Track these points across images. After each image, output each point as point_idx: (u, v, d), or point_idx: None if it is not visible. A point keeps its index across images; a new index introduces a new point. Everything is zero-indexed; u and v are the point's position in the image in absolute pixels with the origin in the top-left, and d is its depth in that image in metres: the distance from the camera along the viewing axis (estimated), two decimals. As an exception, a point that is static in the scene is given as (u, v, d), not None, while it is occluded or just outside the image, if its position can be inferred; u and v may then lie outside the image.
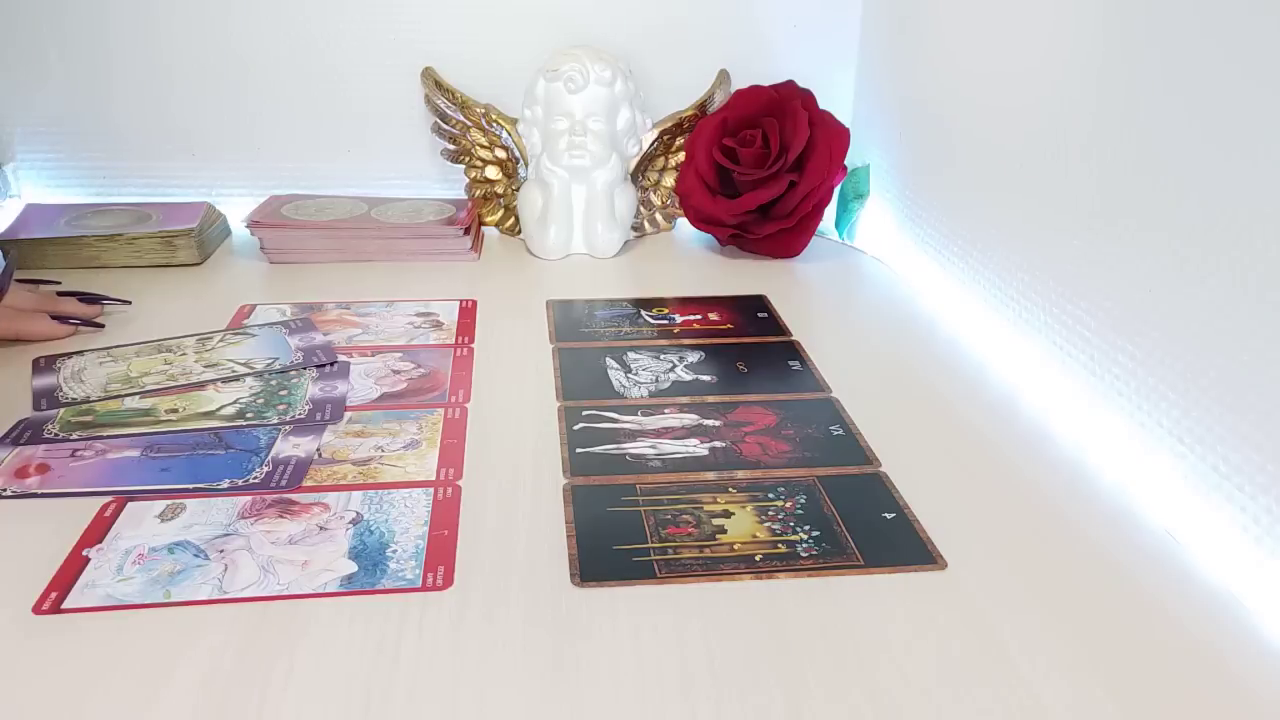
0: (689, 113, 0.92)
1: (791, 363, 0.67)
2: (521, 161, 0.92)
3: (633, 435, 0.57)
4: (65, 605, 0.42)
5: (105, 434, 0.56)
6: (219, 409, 0.59)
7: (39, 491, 0.51)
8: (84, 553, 0.46)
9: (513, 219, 0.93)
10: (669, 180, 0.93)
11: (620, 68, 0.86)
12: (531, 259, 0.89)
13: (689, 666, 0.39)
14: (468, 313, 0.75)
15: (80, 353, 0.66)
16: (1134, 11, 0.53)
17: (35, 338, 0.68)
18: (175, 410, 0.59)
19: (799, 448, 0.56)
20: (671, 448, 0.56)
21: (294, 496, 0.51)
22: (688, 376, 0.64)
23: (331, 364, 0.65)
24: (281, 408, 0.59)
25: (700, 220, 0.88)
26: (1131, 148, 0.53)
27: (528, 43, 0.90)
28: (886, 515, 0.50)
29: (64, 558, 0.45)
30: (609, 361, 0.67)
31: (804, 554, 0.46)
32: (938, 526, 0.48)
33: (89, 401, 0.60)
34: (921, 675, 0.39)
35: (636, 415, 0.59)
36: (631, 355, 0.68)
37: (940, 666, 0.39)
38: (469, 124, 0.92)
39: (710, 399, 0.62)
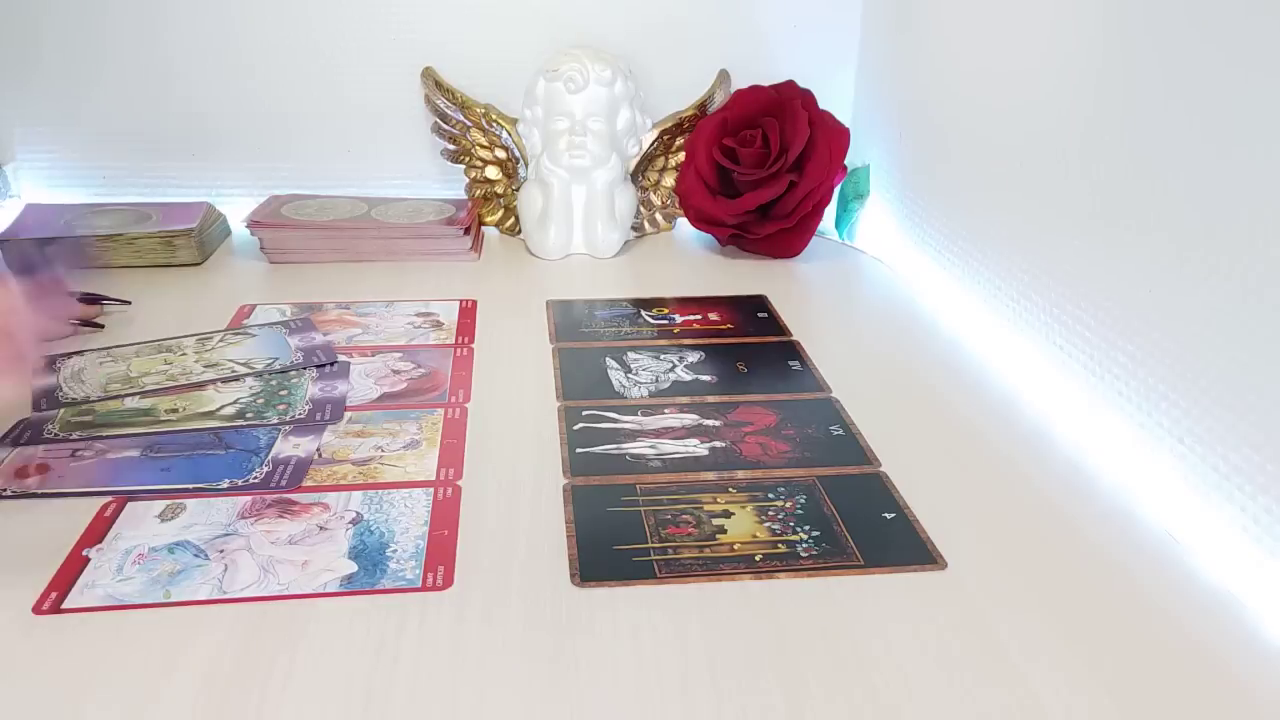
0: (689, 113, 0.92)
1: (791, 363, 0.67)
2: (521, 161, 0.92)
3: (633, 435, 0.57)
4: (65, 605, 0.42)
5: (105, 434, 0.56)
6: (219, 409, 0.59)
7: (39, 491, 0.51)
8: (84, 553, 0.46)
9: (513, 219, 0.93)
10: (669, 180, 0.93)
11: (620, 68, 0.86)
12: (531, 259, 0.89)
13: (689, 666, 0.39)
14: (468, 313, 0.75)
15: (80, 353, 0.66)
16: (1133, 13, 0.53)
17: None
18: (175, 410, 0.59)
19: (799, 448, 0.56)
20: (671, 448, 0.56)
21: (294, 496, 0.51)
22: (688, 376, 0.64)
23: (331, 364, 0.65)
24: (281, 408, 0.59)
25: (700, 220, 0.88)
26: (1131, 148, 0.53)
27: (528, 43, 0.90)
28: (886, 515, 0.50)
29: (64, 558, 0.45)
30: (609, 361, 0.67)
31: (804, 554, 0.46)
32: (938, 526, 0.48)
33: (89, 401, 0.60)
34: (921, 675, 0.39)
35: (636, 415, 0.59)
36: (631, 355, 0.68)
37: (940, 666, 0.39)
38: (469, 124, 0.92)
39: (710, 399, 0.62)
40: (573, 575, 0.45)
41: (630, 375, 0.65)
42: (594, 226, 0.88)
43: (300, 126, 0.94)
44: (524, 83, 0.88)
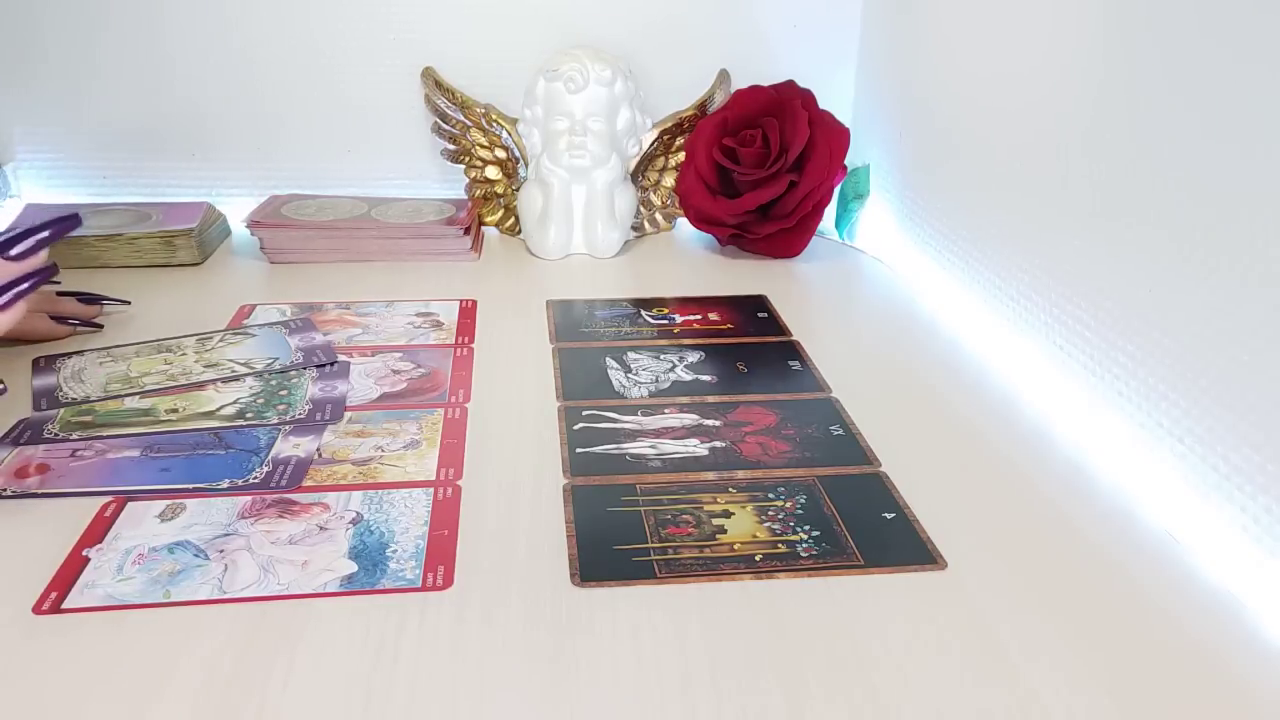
0: (689, 113, 0.92)
1: (791, 363, 0.67)
2: (521, 161, 0.92)
3: (633, 435, 0.57)
4: (65, 605, 0.42)
5: (105, 434, 0.56)
6: (219, 409, 0.59)
7: (39, 491, 0.51)
8: (84, 553, 0.46)
9: (513, 219, 0.93)
10: (669, 180, 0.93)
11: (620, 68, 0.86)
12: (531, 259, 0.89)
13: (689, 666, 0.39)
14: (468, 313, 0.75)
15: (80, 353, 0.66)
16: (1134, 11, 0.53)
17: (35, 338, 0.68)
18: (175, 410, 0.59)
19: (799, 448, 0.56)
20: (671, 448, 0.56)
21: (294, 496, 0.51)
22: (688, 376, 0.64)
23: (331, 364, 0.65)
24: (281, 408, 0.59)
25: (700, 220, 0.88)
26: (1131, 147, 0.53)
27: (528, 43, 0.90)
28: (886, 515, 0.50)
29: (64, 558, 0.45)
30: (609, 361, 0.67)
31: (804, 554, 0.46)
32: (938, 526, 0.48)
33: (89, 401, 0.60)
34: (921, 675, 0.39)
35: (636, 415, 0.59)
36: (631, 355, 0.68)
37: (940, 666, 0.39)
38: (469, 124, 0.92)
39: (710, 399, 0.62)
40: (573, 575, 0.45)
41: (630, 375, 0.65)
42: (594, 226, 0.88)
43: (300, 126, 0.94)
44: (524, 83, 0.88)
